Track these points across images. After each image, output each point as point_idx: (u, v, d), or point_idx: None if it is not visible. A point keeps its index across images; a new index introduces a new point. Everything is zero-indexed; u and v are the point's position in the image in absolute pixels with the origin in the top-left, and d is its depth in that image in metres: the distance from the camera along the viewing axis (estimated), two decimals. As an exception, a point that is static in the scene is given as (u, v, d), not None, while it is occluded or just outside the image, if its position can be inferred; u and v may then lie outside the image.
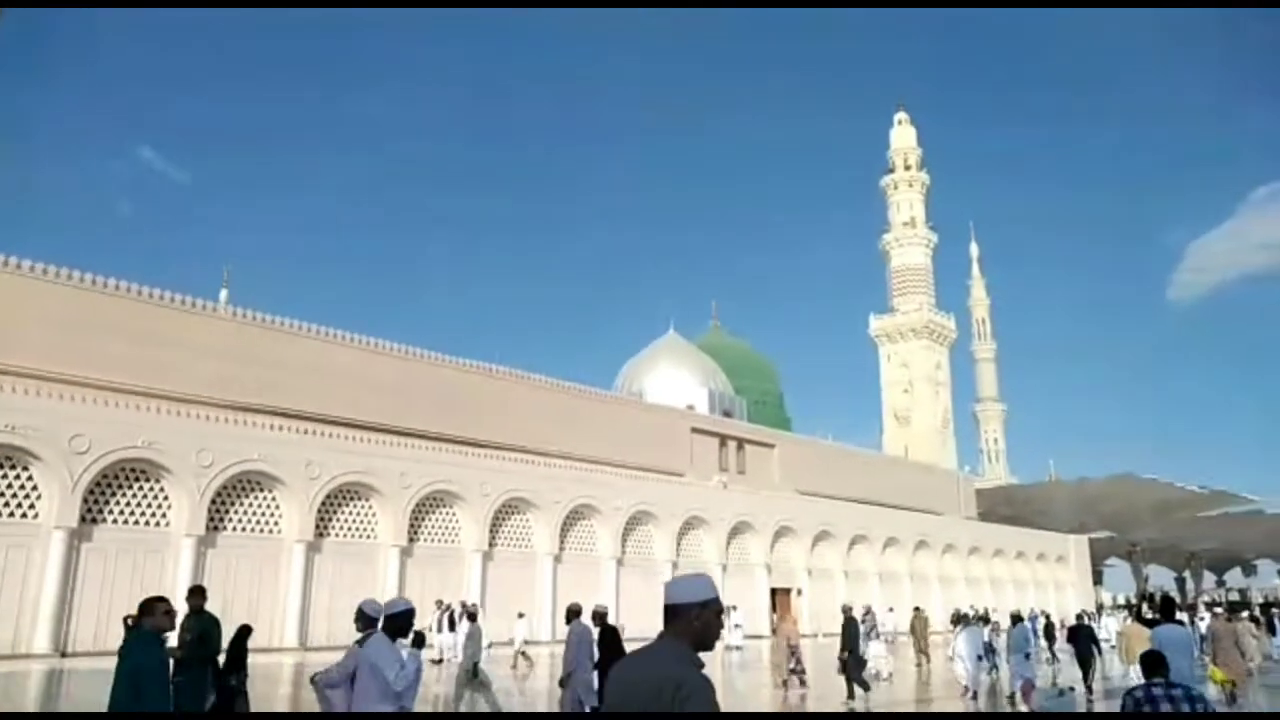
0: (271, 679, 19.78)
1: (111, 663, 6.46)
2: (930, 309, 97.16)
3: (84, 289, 31.32)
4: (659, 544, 42.43)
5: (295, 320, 36.88)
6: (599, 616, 11.13)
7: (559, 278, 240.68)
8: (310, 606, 30.12)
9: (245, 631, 11.24)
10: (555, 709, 12.73)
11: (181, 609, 9.13)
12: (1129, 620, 25.29)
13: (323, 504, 31.35)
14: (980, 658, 18.22)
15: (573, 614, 11.12)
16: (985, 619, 27.83)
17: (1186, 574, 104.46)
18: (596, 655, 10.63)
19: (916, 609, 31.14)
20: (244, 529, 29.75)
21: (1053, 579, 69.46)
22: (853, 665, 17.33)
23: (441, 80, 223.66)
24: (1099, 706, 17.05)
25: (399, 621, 6.50)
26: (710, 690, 2.99)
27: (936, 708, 17.82)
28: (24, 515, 25.43)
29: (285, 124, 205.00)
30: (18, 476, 25.58)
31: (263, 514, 30.31)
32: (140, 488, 27.80)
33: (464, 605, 22.57)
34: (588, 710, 10.39)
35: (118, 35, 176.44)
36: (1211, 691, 15.50)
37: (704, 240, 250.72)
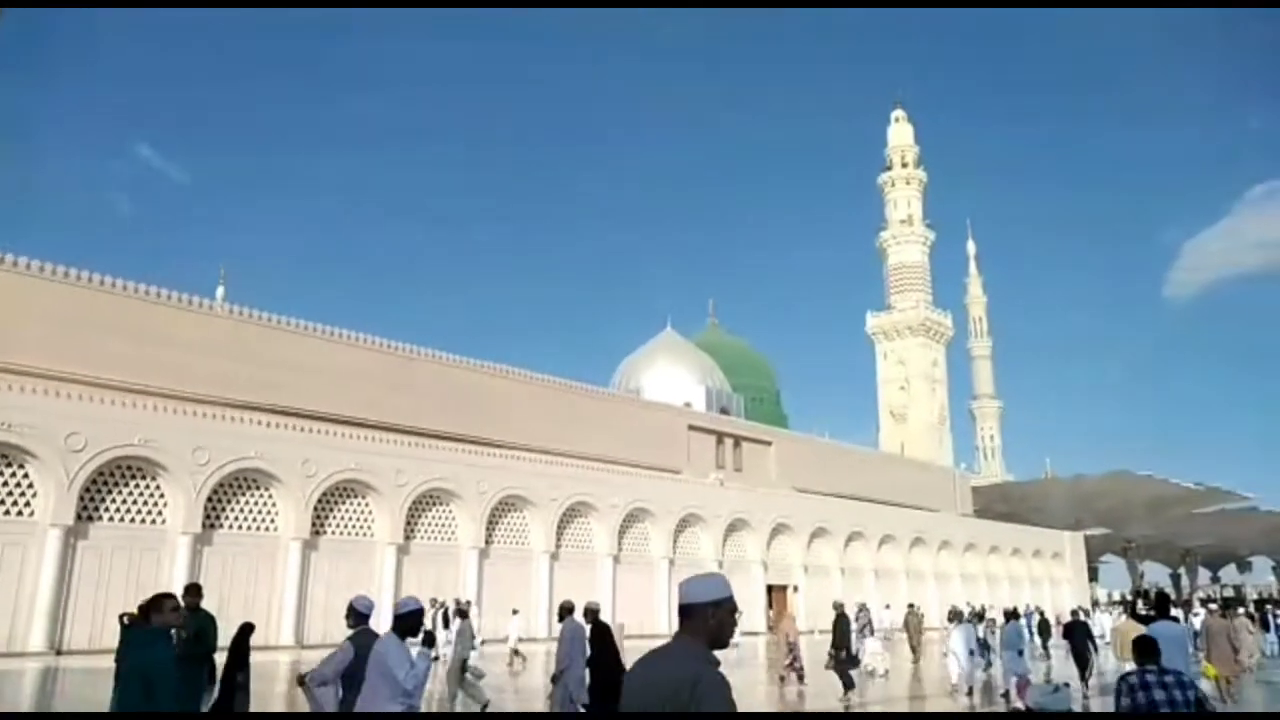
0: (268, 677, 19.76)
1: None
2: (927, 306, 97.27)
3: (81, 287, 31.27)
4: (655, 541, 42.45)
5: (292, 318, 36.89)
6: (591, 613, 11.14)
7: (556, 276, 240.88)
8: (307, 604, 30.12)
9: (248, 629, 11.25)
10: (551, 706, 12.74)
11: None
12: (1123, 617, 25.36)
13: (319, 502, 31.35)
14: (972, 653, 18.24)
15: (565, 611, 11.14)
16: (980, 616, 27.91)
17: (1182, 570, 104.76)
18: (589, 652, 10.64)
19: (911, 606, 31.16)
20: (240, 527, 29.74)
21: (1048, 575, 69.57)
22: (842, 662, 17.30)
23: (441, 80, 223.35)
24: (1094, 703, 17.09)
25: (409, 621, 6.54)
26: (726, 688, 3.03)
27: (930, 705, 17.87)
28: (20, 513, 25.40)
29: (285, 124, 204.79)
30: (14, 474, 25.55)
31: (259, 512, 30.30)
32: (136, 485, 27.77)
33: (457, 602, 22.59)
34: (580, 707, 10.41)
35: (118, 35, 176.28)
36: (1205, 687, 15.54)
37: (701, 238, 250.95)
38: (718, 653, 3.22)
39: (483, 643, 21.21)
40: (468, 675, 14.94)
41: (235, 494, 29.84)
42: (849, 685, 17.10)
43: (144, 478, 27.90)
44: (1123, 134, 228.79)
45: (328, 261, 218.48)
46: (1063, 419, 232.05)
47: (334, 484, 31.78)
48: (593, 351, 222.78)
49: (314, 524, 31.12)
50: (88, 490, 26.59)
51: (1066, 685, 17.31)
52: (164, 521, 27.93)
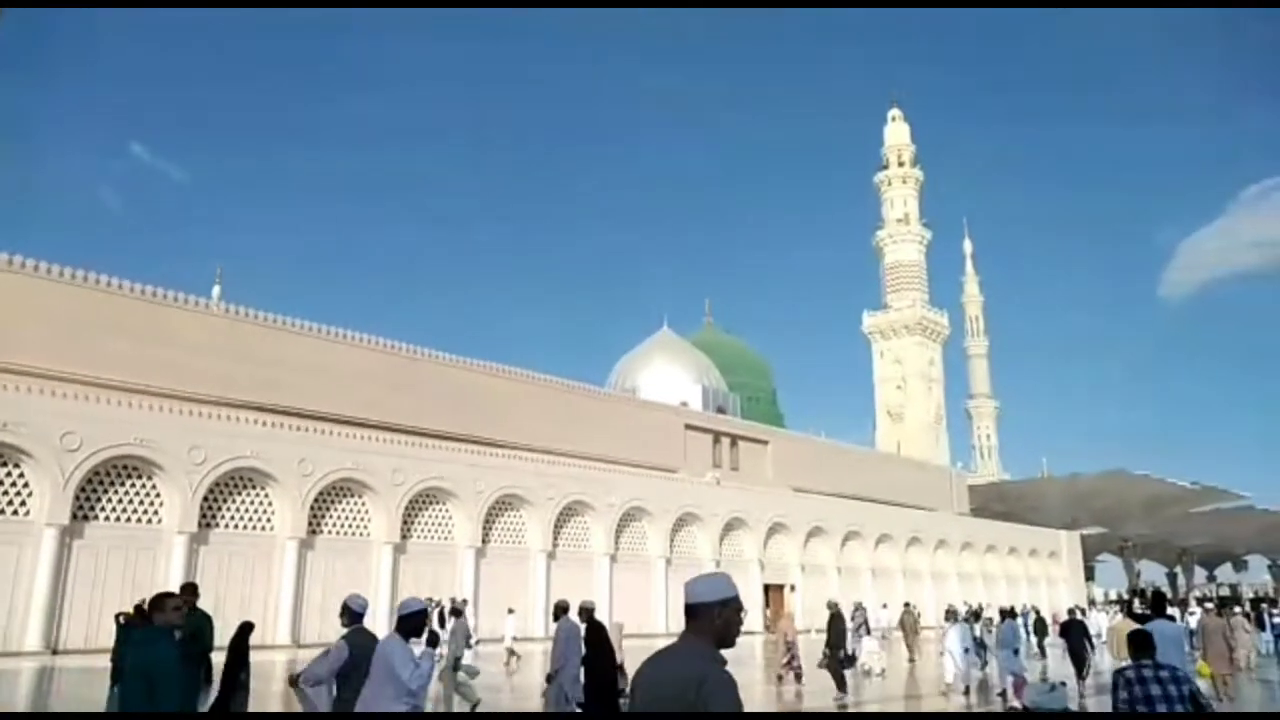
0: (265, 676, 19.73)
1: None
2: (923, 305, 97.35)
3: (77, 286, 31.24)
4: (652, 540, 42.45)
5: (289, 317, 36.89)
6: (585, 612, 11.14)
7: (553, 275, 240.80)
8: (303, 604, 30.07)
9: (248, 628, 11.26)
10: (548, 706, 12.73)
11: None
12: (1119, 616, 25.40)
13: (315, 501, 31.32)
14: (967, 650, 18.25)
15: (560, 611, 11.13)
16: (977, 615, 27.91)
17: (1178, 569, 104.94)
18: (583, 651, 10.64)
19: (906, 605, 31.14)
20: (236, 526, 29.70)
21: (1045, 574, 69.68)
22: (835, 662, 17.27)
23: (440, 80, 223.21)
24: (1091, 701, 17.10)
25: (413, 621, 6.55)
26: (733, 687, 3.02)
27: (927, 705, 17.87)
28: (15, 513, 25.34)
29: (284, 124, 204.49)
30: (9, 474, 25.50)
31: (255, 511, 30.26)
32: (132, 485, 27.72)
33: (452, 601, 22.59)
34: (574, 706, 10.41)
35: (117, 35, 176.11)
36: (1202, 686, 15.56)
37: (698, 237, 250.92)
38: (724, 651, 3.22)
39: (478, 642, 21.18)
40: (460, 674, 14.93)
41: (231, 493, 29.79)
42: (841, 685, 17.01)
43: (140, 477, 27.85)
44: (1119, 133, 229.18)
45: (327, 261, 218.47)
46: (1059, 418, 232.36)
47: (330, 483, 31.75)
48: (589, 351, 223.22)
49: (310, 523, 31.07)
50: (83, 490, 26.54)
51: (1063, 684, 17.35)
52: (160, 521, 27.88)
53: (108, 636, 18.93)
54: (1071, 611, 24.36)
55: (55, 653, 24.38)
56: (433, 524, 34.99)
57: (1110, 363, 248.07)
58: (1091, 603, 71.10)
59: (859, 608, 29.15)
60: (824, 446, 64.79)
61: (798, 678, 19.40)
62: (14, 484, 25.53)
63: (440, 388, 40.42)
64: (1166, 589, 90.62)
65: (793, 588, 48.84)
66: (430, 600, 28.57)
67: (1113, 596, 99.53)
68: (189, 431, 28.57)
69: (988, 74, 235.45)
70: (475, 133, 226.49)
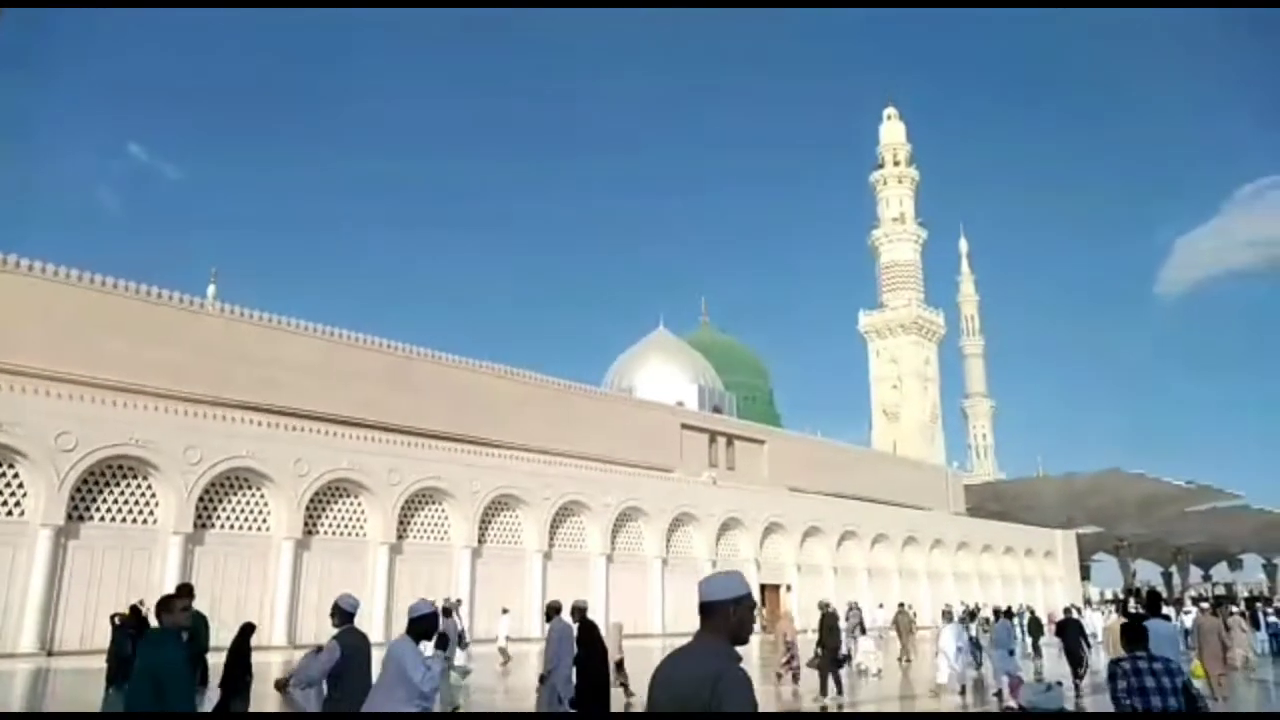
0: (260, 677, 19.65)
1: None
2: (919, 305, 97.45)
3: (74, 286, 31.20)
4: (649, 540, 42.45)
5: (285, 317, 36.84)
6: (578, 611, 11.12)
7: (549, 275, 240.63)
8: (299, 604, 30.02)
9: (249, 630, 11.27)
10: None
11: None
12: (1114, 615, 25.44)
13: (311, 501, 31.27)
14: (961, 650, 18.25)
15: (553, 611, 11.12)
16: (973, 614, 27.92)
17: (1173, 569, 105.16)
18: (576, 651, 10.62)
19: (901, 606, 31.04)
20: (232, 526, 29.65)
21: (1040, 574, 69.80)
22: (827, 663, 17.23)
23: (439, 80, 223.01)
24: (1087, 701, 17.12)
25: (423, 624, 6.56)
26: (748, 685, 3.04)
27: (922, 705, 17.89)
28: (10, 513, 25.29)
29: (283, 124, 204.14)
30: (4, 474, 25.44)
31: (251, 511, 30.21)
32: (128, 485, 27.67)
33: (446, 601, 22.57)
34: (566, 705, 10.40)
35: (117, 35, 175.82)
36: (1197, 685, 15.59)
37: (694, 237, 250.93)
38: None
39: (469, 644, 21.15)
40: (453, 675, 14.91)
41: (227, 493, 29.74)
42: (825, 687, 16.87)
43: (135, 477, 27.79)
44: (1114, 132, 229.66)
45: (323, 261, 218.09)
46: (1054, 417, 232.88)
47: (326, 483, 31.70)
48: (585, 351, 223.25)
49: (306, 523, 31.02)
50: (79, 490, 26.48)
51: (1059, 684, 17.36)
52: (155, 521, 27.83)
53: (103, 637, 18.89)
54: (1067, 611, 24.36)
55: (50, 654, 24.32)
56: (429, 524, 34.95)
57: (1106, 362, 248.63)
58: (1087, 602, 71.19)
59: (853, 607, 29.15)
60: (820, 446, 64.81)
61: (795, 678, 19.39)
62: (9, 484, 25.47)
63: (436, 388, 40.40)
64: (1162, 588, 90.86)
65: (789, 588, 48.85)
66: (425, 600, 28.59)
67: (1108, 596, 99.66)
68: (185, 431, 28.52)
69: (984, 73, 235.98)
70: (474, 133, 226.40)
